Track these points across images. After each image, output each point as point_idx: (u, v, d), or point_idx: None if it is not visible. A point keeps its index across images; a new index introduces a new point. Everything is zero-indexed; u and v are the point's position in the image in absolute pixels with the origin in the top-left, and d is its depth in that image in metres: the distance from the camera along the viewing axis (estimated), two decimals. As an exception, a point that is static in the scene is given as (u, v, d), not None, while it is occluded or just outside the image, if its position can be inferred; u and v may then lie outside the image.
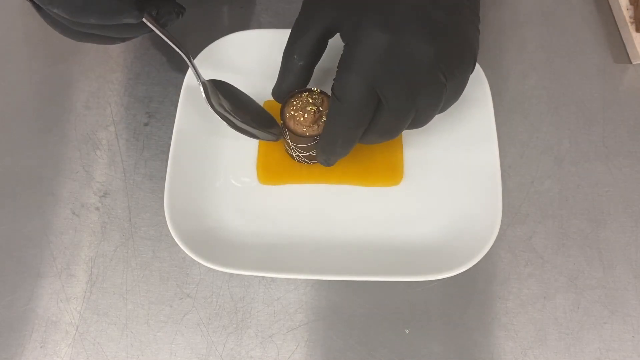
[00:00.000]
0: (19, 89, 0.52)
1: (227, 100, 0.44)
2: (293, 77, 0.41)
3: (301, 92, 0.44)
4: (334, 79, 0.35)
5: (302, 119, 0.43)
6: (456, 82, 0.35)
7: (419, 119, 0.36)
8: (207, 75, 0.47)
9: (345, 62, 0.34)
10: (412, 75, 0.33)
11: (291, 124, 0.43)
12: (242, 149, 0.48)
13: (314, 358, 0.42)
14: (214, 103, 0.43)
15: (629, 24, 0.52)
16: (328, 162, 0.41)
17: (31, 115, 0.51)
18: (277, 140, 0.46)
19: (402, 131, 0.37)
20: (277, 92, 0.42)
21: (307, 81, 0.42)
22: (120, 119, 0.51)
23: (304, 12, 0.39)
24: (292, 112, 0.43)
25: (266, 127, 0.45)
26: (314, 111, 0.43)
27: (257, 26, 0.55)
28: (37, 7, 0.37)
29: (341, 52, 0.36)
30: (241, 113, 0.44)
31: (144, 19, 0.37)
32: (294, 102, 0.43)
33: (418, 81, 0.33)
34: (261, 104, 0.50)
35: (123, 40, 0.41)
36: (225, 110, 0.43)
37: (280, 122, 0.43)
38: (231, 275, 0.45)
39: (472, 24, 0.35)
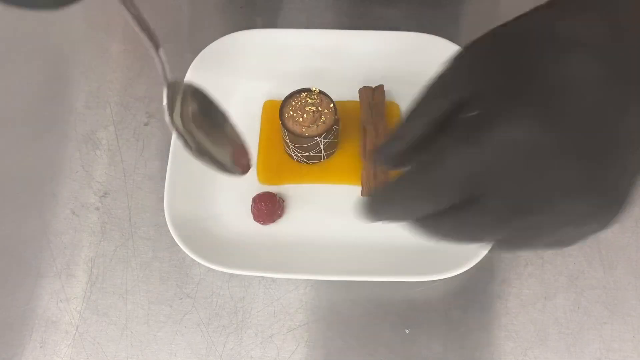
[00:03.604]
0: (19, 89, 0.52)
1: (198, 114, 0.34)
2: (404, 144, 0.30)
3: (300, 92, 0.44)
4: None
5: (301, 119, 0.43)
6: (574, 233, 0.27)
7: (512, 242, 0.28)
8: (207, 75, 0.47)
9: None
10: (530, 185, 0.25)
11: (290, 124, 0.43)
12: (242, 149, 0.48)
13: (314, 358, 0.42)
14: (175, 113, 0.32)
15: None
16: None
17: (31, 115, 0.51)
18: (242, 175, 0.36)
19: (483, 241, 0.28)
20: (382, 154, 0.31)
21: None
22: (120, 119, 0.51)
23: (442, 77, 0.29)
24: (291, 112, 0.43)
25: (230, 160, 0.35)
26: (313, 111, 0.43)
27: (257, 26, 0.55)
28: None
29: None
30: (204, 134, 0.34)
31: None
32: (293, 102, 0.43)
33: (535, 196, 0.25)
34: (261, 103, 0.50)
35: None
36: (189, 127, 0.33)
37: (279, 121, 0.43)
38: (231, 275, 0.45)
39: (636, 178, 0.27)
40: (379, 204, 0.29)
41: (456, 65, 0.28)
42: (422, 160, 0.26)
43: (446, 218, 0.26)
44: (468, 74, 0.27)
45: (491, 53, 0.27)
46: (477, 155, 0.24)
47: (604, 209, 0.26)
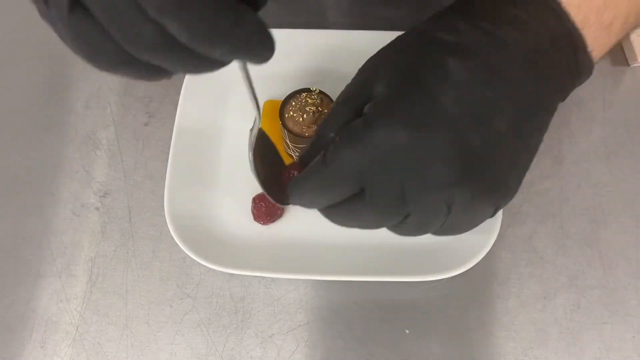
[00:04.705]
0: (19, 89, 0.52)
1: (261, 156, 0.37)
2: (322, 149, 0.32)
3: (300, 92, 0.44)
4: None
5: (301, 119, 0.43)
6: (458, 220, 0.29)
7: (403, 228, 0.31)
8: (206, 75, 0.47)
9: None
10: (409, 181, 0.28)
11: (290, 124, 0.43)
12: (242, 149, 0.48)
13: (314, 358, 0.42)
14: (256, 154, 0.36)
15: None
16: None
17: (31, 115, 0.51)
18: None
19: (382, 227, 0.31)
20: (303, 159, 0.33)
21: None
22: (120, 119, 0.51)
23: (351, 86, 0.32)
24: (291, 113, 0.43)
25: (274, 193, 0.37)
26: (313, 111, 0.43)
27: (257, 26, 0.55)
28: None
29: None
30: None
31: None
32: (293, 103, 0.43)
33: (414, 190, 0.28)
34: (261, 104, 0.50)
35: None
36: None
37: (279, 121, 0.44)
38: (231, 275, 0.45)
39: (514, 167, 0.30)
40: (295, 194, 0.32)
41: (356, 77, 0.32)
42: (319, 160, 0.30)
43: (341, 209, 0.31)
44: (364, 83, 0.31)
45: (385, 62, 0.30)
46: (360, 154, 0.28)
47: (489, 195, 0.29)
